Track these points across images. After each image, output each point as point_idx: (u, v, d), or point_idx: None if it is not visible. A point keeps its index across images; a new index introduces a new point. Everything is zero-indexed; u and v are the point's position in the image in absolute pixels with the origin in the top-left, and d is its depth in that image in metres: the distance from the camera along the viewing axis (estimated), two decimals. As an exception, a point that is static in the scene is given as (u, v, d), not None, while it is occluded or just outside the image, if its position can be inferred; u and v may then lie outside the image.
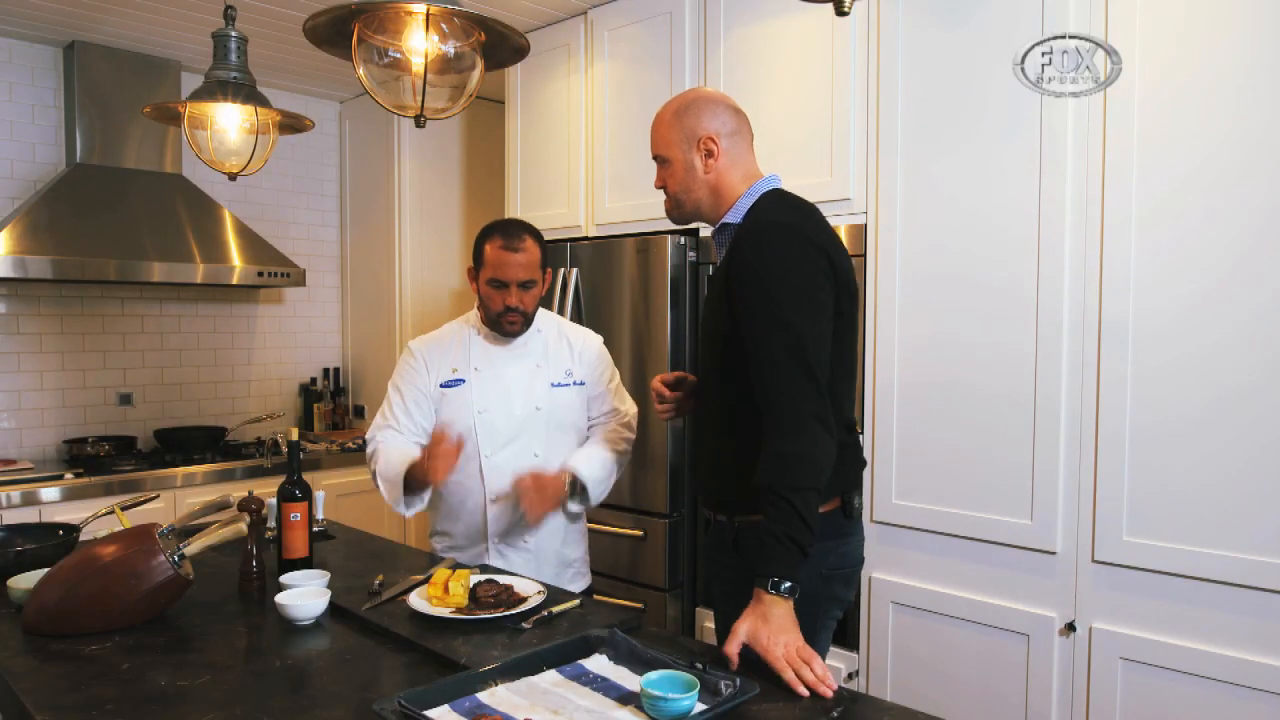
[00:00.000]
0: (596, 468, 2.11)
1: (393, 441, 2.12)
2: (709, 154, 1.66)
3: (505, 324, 2.11)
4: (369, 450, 2.15)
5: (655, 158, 1.73)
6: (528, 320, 2.13)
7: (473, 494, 2.13)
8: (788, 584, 1.42)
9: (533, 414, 2.14)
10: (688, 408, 1.85)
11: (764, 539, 1.44)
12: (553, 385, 2.17)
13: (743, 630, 1.43)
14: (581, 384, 2.22)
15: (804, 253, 1.54)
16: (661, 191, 1.75)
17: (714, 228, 1.71)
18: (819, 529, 1.58)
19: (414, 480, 1.99)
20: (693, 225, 2.93)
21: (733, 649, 1.42)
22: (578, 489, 2.11)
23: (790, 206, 1.64)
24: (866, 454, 2.47)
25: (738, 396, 1.59)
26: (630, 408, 2.29)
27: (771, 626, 1.40)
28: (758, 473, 1.48)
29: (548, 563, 2.19)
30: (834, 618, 1.70)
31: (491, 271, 2.06)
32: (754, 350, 1.52)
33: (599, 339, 2.32)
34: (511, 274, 2.05)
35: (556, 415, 2.17)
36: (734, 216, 1.65)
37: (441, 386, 2.15)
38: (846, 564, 1.69)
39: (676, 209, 1.73)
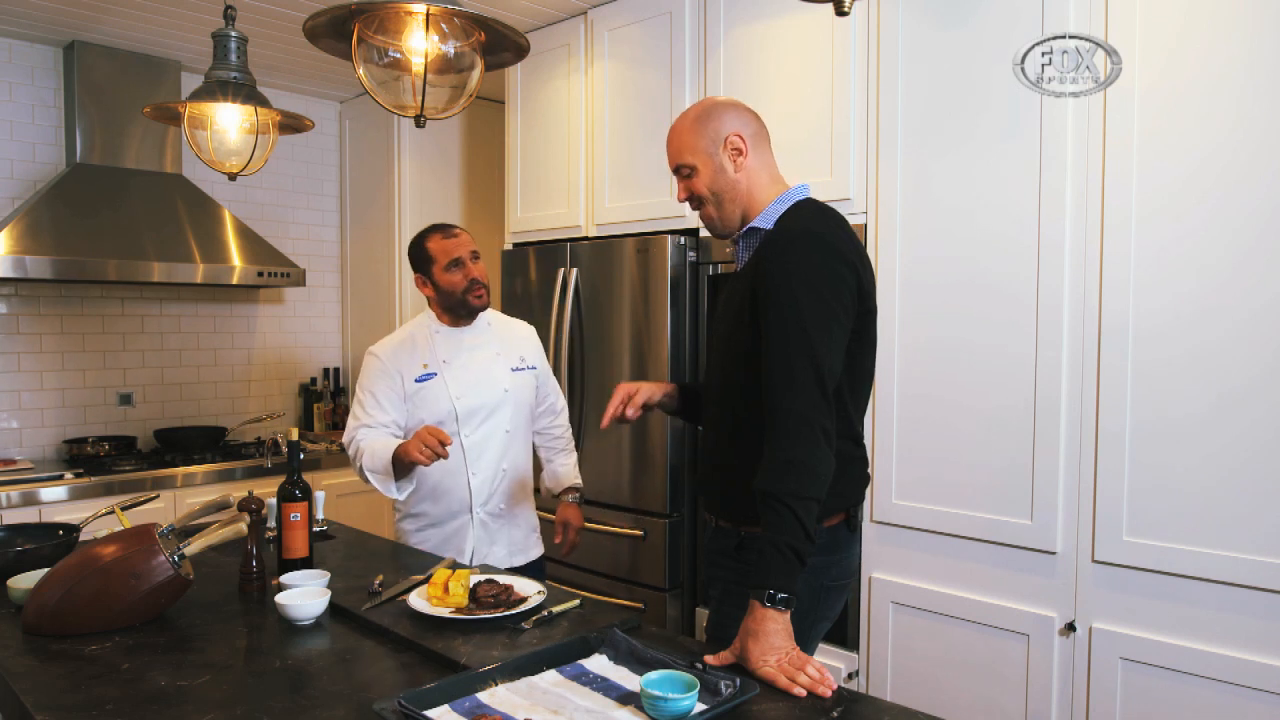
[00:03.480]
0: (578, 473, 2.60)
1: (372, 436, 2.25)
2: (737, 151, 1.61)
3: (473, 299, 2.30)
4: (351, 451, 2.27)
5: (677, 169, 1.65)
6: (488, 291, 2.34)
7: (456, 471, 2.29)
8: (783, 596, 1.40)
9: (502, 395, 2.36)
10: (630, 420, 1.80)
11: (763, 549, 1.42)
12: (513, 370, 2.40)
13: (733, 648, 1.43)
14: (534, 368, 2.47)
15: (832, 265, 1.52)
16: (689, 204, 1.68)
17: (739, 231, 1.66)
18: (823, 543, 1.58)
19: (400, 463, 2.12)
20: (692, 225, 2.94)
21: (716, 663, 1.42)
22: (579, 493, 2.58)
23: (824, 217, 1.60)
24: (866, 452, 2.46)
25: (751, 404, 1.56)
26: (563, 401, 2.63)
27: (762, 643, 1.39)
28: (758, 477, 1.46)
29: (519, 528, 2.42)
30: (823, 630, 1.70)
31: (445, 256, 2.28)
32: (769, 355, 1.50)
33: (533, 328, 2.57)
34: (462, 249, 2.29)
35: (518, 395, 2.40)
36: (764, 222, 1.61)
37: (416, 382, 2.29)
38: (844, 577, 1.69)
39: (718, 213, 1.65)
